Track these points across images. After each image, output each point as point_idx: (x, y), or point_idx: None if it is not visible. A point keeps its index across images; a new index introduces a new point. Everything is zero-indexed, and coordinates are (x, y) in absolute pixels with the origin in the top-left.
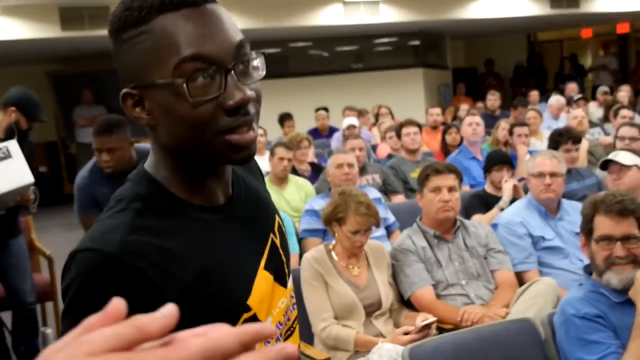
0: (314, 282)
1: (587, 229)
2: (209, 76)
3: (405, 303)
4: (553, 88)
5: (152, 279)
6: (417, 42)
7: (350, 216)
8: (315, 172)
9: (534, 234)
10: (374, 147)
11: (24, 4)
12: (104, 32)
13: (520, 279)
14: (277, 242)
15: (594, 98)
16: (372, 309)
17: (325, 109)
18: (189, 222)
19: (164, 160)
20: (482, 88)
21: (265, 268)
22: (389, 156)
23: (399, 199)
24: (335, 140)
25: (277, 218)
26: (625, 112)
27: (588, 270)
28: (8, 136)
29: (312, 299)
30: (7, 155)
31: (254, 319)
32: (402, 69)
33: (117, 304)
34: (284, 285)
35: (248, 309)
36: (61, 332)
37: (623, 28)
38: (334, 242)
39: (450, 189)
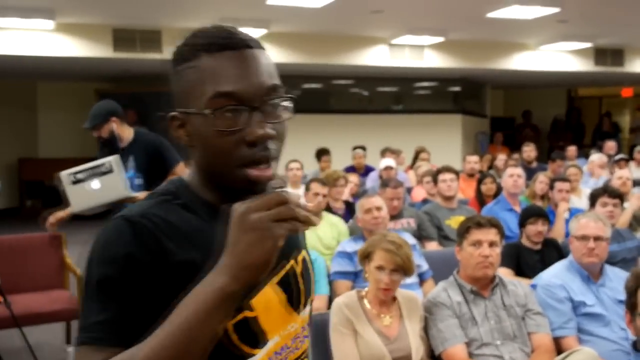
0: (343, 329)
1: (631, 304)
2: (237, 112)
3: (436, 359)
4: (591, 144)
5: (163, 241)
6: (457, 89)
7: (377, 251)
8: (349, 210)
9: (575, 299)
10: (409, 190)
11: (79, 22)
12: (153, 55)
13: (558, 344)
14: (298, 270)
15: (630, 157)
16: None
17: (363, 148)
18: (211, 219)
19: (198, 175)
20: (519, 138)
21: (279, 284)
22: (424, 201)
23: (433, 246)
24: (371, 180)
25: (303, 252)
26: None
27: (637, 346)
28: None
29: (340, 347)
30: (110, 170)
31: (255, 322)
32: (441, 113)
33: None
34: (297, 312)
35: (250, 307)
36: (85, 288)
37: None
38: (367, 288)
39: (491, 244)
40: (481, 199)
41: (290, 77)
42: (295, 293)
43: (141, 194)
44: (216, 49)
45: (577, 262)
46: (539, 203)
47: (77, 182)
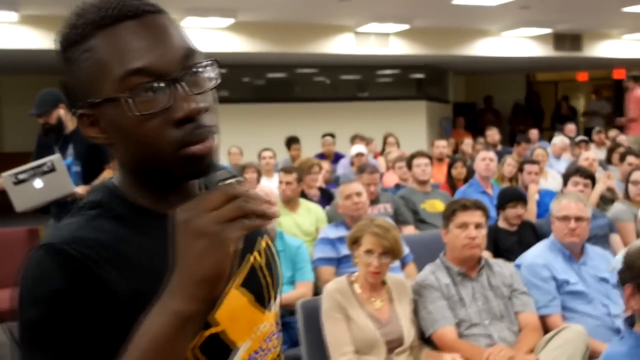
0: (336, 314)
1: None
2: (157, 89)
3: (426, 340)
4: (550, 127)
5: (95, 271)
6: (421, 75)
7: (365, 235)
8: (324, 197)
9: (559, 278)
10: (380, 176)
11: (43, 14)
12: None
13: (543, 322)
14: (261, 262)
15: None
16: (393, 345)
17: (332, 135)
18: (149, 230)
19: (126, 176)
20: (481, 123)
21: (243, 285)
22: (397, 186)
23: (409, 230)
24: (342, 167)
25: (263, 239)
26: (632, 159)
27: (630, 322)
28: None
29: (333, 332)
30: (52, 169)
31: (223, 335)
32: (406, 100)
33: None
34: (267, 308)
35: (215, 323)
36: (19, 334)
37: (619, 74)
38: (356, 273)
39: (477, 226)
40: (452, 183)
41: (256, 66)
42: (262, 290)
43: (80, 189)
44: (111, 22)
45: (559, 242)
46: (508, 185)
47: (19, 182)
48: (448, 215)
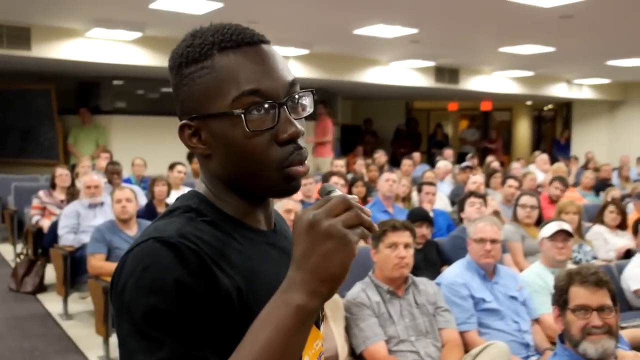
0: None
1: (562, 300)
2: (264, 110)
3: (356, 357)
4: (426, 151)
5: (209, 265)
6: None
7: None
8: None
9: (476, 296)
10: None
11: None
12: (21, 52)
13: (462, 338)
14: None
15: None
16: None
17: None
18: (238, 236)
19: (216, 186)
20: (361, 144)
21: None
22: (301, 202)
23: None
24: None
25: None
26: (512, 182)
27: (562, 338)
28: None
29: None
30: None
31: None
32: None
33: None
34: (318, 327)
35: None
36: (122, 335)
37: (486, 106)
38: None
39: (406, 246)
40: None
41: (158, 79)
42: None
43: None
44: (231, 45)
45: (475, 262)
46: (401, 204)
47: None
48: (378, 235)
